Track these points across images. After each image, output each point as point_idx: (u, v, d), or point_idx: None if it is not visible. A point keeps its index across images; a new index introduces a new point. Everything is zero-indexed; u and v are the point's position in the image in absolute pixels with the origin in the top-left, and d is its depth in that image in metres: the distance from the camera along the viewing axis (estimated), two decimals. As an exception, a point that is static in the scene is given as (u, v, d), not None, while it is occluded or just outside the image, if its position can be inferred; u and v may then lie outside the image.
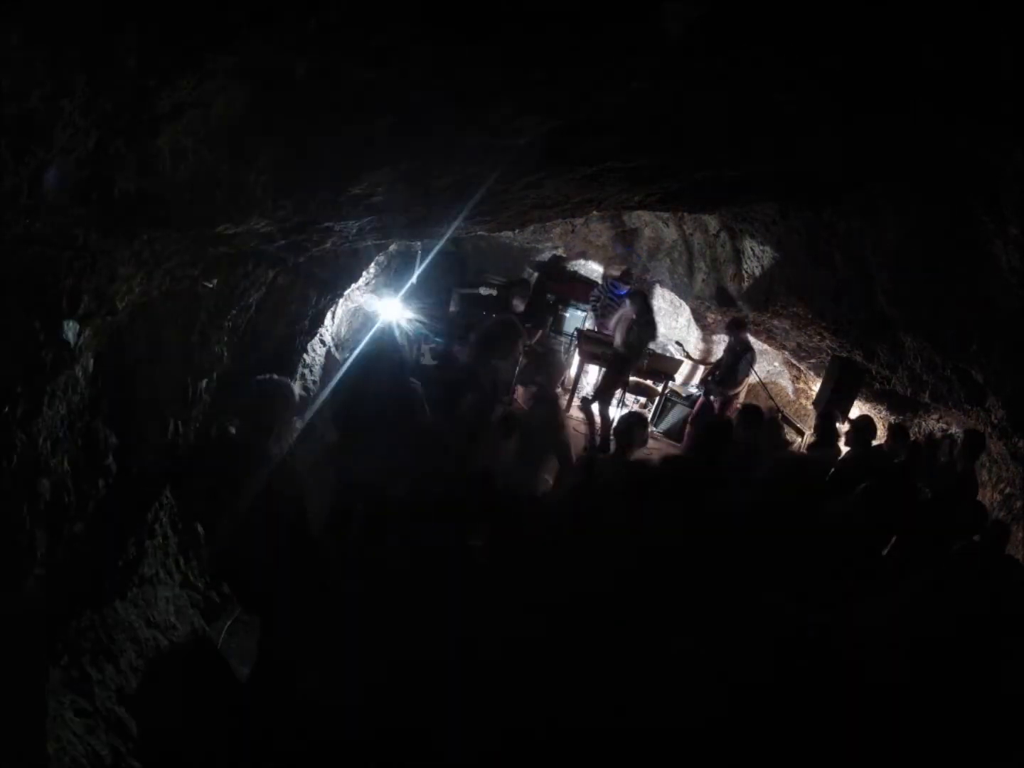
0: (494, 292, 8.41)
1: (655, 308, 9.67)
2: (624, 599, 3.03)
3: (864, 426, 5.49)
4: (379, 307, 5.96)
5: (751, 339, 7.57)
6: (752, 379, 7.96)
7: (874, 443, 5.63)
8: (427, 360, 6.83)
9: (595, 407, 7.43)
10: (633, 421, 4.31)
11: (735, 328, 7.19)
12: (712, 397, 7.59)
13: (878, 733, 2.93)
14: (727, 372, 7.45)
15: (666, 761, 2.79)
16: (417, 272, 7.42)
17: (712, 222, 6.68)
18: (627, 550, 3.17)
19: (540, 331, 8.60)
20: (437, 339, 6.91)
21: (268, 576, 2.81)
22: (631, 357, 7.07)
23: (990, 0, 1.90)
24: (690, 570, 3.16)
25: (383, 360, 4.50)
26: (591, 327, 8.58)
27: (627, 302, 7.16)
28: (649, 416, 9.06)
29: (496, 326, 4.76)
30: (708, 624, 3.02)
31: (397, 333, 5.34)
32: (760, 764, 2.83)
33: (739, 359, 7.30)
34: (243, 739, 2.79)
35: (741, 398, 7.89)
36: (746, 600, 3.13)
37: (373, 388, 4.20)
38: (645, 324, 6.99)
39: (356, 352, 4.62)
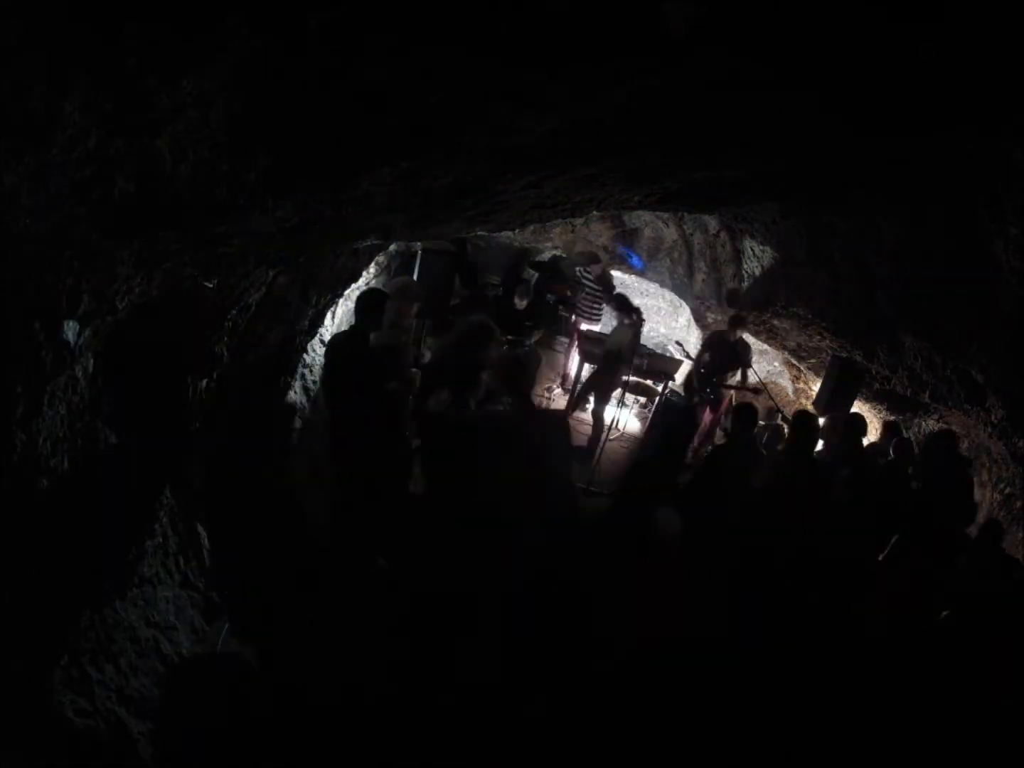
0: (499, 291, 8.38)
1: (656, 308, 9.68)
2: None
3: (854, 423, 5.50)
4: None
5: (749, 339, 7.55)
6: (752, 379, 7.93)
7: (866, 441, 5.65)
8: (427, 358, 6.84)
9: (590, 407, 7.43)
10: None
11: (735, 325, 7.15)
12: (697, 399, 7.54)
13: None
14: (718, 369, 7.40)
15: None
16: (416, 272, 7.40)
17: (712, 222, 6.67)
18: None
19: (540, 331, 8.59)
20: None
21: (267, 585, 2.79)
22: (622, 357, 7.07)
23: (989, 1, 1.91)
24: None
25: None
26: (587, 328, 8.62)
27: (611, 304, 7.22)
28: (650, 416, 9.07)
29: (469, 327, 4.63)
30: None
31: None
32: None
33: (730, 354, 7.26)
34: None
35: (725, 401, 7.82)
36: None
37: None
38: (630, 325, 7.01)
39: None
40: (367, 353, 4.23)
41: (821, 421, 5.91)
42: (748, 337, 7.73)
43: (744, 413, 5.02)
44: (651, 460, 3.57)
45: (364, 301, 4.30)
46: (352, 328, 4.40)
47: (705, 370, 7.46)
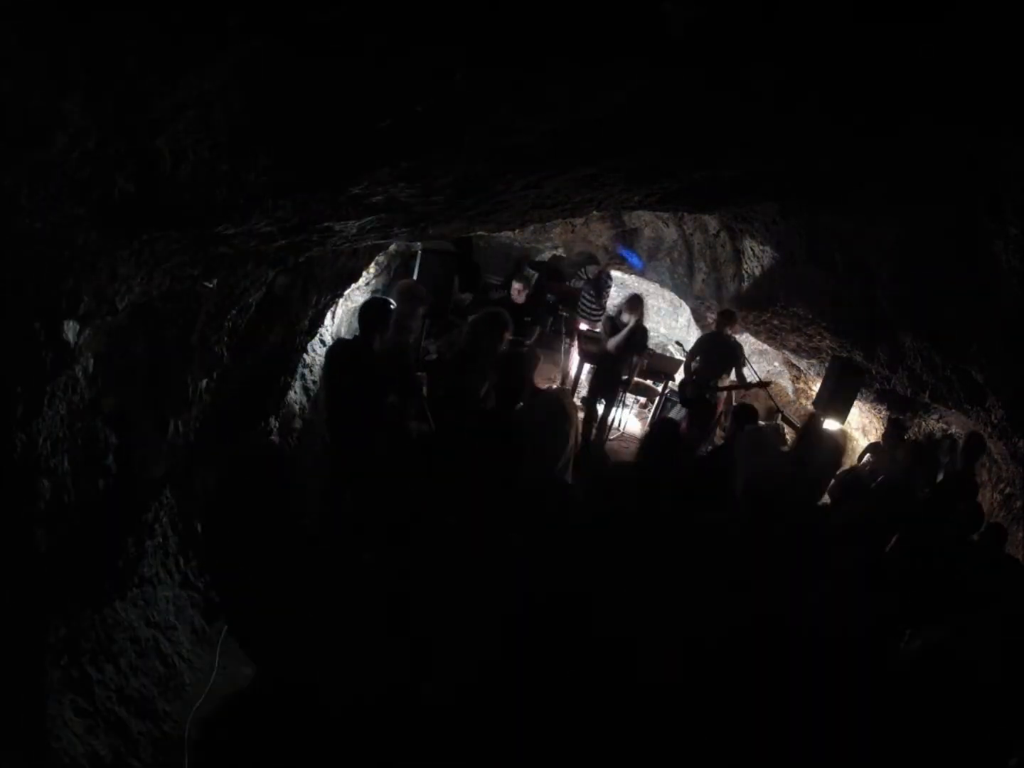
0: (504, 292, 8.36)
1: (655, 308, 9.67)
2: None
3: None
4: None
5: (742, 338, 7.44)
6: (752, 379, 7.93)
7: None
8: (431, 356, 6.84)
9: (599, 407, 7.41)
10: None
11: (724, 321, 6.93)
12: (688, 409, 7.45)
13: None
14: (712, 369, 7.29)
15: None
16: (416, 272, 7.40)
17: (712, 222, 6.67)
18: None
19: (540, 330, 8.59)
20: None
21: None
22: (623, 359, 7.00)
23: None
24: None
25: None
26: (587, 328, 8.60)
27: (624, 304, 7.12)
28: (649, 416, 9.07)
29: (483, 318, 4.57)
30: None
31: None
32: None
33: (722, 355, 7.15)
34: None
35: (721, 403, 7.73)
36: None
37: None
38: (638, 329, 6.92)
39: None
40: (368, 364, 4.10)
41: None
42: (748, 338, 7.72)
43: (744, 413, 5.03)
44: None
45: (369, 311, 4.15)
46: (354, 338, 4.31)
47: (696, 375, 7.37)
